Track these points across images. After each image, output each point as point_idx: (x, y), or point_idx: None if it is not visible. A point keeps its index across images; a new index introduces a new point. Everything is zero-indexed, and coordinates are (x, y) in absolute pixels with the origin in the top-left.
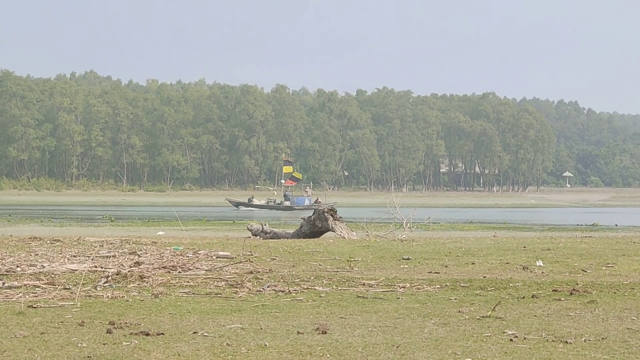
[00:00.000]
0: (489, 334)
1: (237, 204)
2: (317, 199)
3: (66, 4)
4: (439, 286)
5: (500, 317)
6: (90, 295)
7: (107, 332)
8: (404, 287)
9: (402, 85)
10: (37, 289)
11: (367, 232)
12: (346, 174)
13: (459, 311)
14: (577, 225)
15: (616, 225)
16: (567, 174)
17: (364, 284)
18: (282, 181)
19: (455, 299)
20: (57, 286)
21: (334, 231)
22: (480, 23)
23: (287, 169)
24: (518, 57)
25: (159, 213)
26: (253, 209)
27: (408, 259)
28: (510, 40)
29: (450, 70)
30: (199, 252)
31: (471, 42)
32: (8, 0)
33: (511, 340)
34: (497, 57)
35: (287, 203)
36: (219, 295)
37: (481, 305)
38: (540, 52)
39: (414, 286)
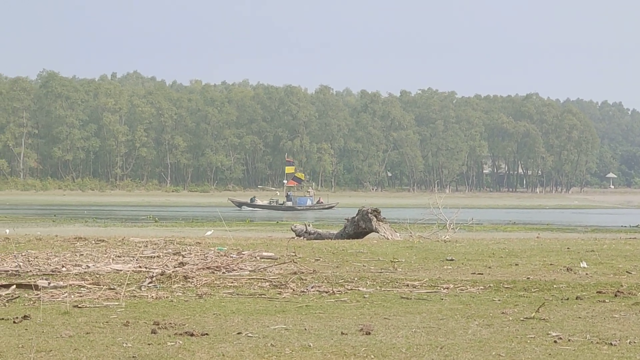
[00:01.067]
0: (532, 336)
1: (240, 204)
2: (319, 200)
3: (110, 5)
4: (482, 287)
5: (544, 319)
6: (135, 296)
7: (151, 333)
8: (447, 288)
9: (445, 87)
10: (82, 289)
11: (411, 233)
12: (389, 174)
13: (503, 312)
14: (622, 226)
15: None
16: (611, 175)
17: (407, 285)
18: (285, 181)
19: (499, 300)
20: (102, 286)
21: (377, 232)
22: (523, 25)
23: (289, 170)
24: (562, 58)
25: (203, 213)
26: (255, 209)
27: (451, 260)
28: (553, 42)
29: (494, 71)
30: (243, 252)
31: (515, 43)
32: (52, 2)
33: (555, 341)
34: (541, 59)
35: (289, 203)
36: (263, 295)
37: (525, 307)
38: (584, 53)
39: (458, 287)
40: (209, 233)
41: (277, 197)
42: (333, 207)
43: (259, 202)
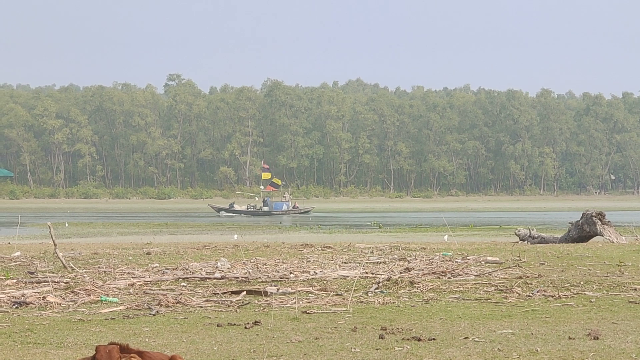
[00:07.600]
0: None
1: (219, 210)
2: (294, 204)
3: (335, 16)
4: None
5: None
6: (362, 301)
7: (379, 338)
8: None
9: None
10: (310, 294)
11: (637, 236)
12: (613, 177)
13: None
14: None
15: None
16: None
17: (635, 289)
18: (262, 187)
19: None
20: (329, 292)
21: (602, 235)
22: None
23: (265, 176)
24: None
25: (426, 219)
26: (234, 214)
27: None
28: None
29: None
30: (467, 257)
31: None
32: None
33: None
34: None
35: (266, 208)
36: (488, 300)
37: None
38: None
39: None
40: (445, 238)
41: (255, 203)
42: (309, 211)
43: (237, 207)
